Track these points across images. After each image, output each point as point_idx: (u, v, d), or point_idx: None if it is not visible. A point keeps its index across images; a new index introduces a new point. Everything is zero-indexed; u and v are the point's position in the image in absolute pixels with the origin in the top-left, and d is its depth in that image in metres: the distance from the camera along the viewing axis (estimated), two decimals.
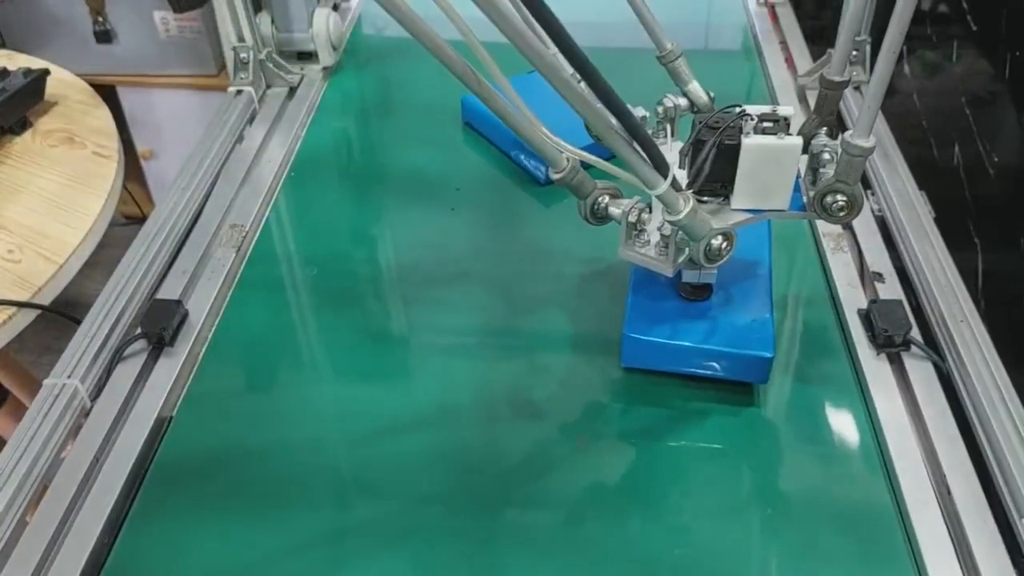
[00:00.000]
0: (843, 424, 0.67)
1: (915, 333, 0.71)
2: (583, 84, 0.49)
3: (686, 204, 0.55)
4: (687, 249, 0.59)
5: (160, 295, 0.78)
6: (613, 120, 0.50)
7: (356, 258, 0.85)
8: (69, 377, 0.69)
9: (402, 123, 1.06)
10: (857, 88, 1.02)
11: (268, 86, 1.10)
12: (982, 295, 0.84)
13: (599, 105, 0.49)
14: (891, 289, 0.77)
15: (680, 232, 0.58)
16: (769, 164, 0.57)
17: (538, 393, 0.69)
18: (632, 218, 0.60)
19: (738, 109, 0.59)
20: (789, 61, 1.13)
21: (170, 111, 1.86)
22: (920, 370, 0.69)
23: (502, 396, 0.69)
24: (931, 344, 0.71)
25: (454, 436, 0.66)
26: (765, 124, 0.58)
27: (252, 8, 1.05)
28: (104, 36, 1.73)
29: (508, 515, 0.61)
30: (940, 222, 0.82)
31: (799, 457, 0.64)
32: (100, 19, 1.71)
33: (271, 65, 1.08)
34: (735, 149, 0.57)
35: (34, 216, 0.95)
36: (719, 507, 0.61)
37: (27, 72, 1.08)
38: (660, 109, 0.66)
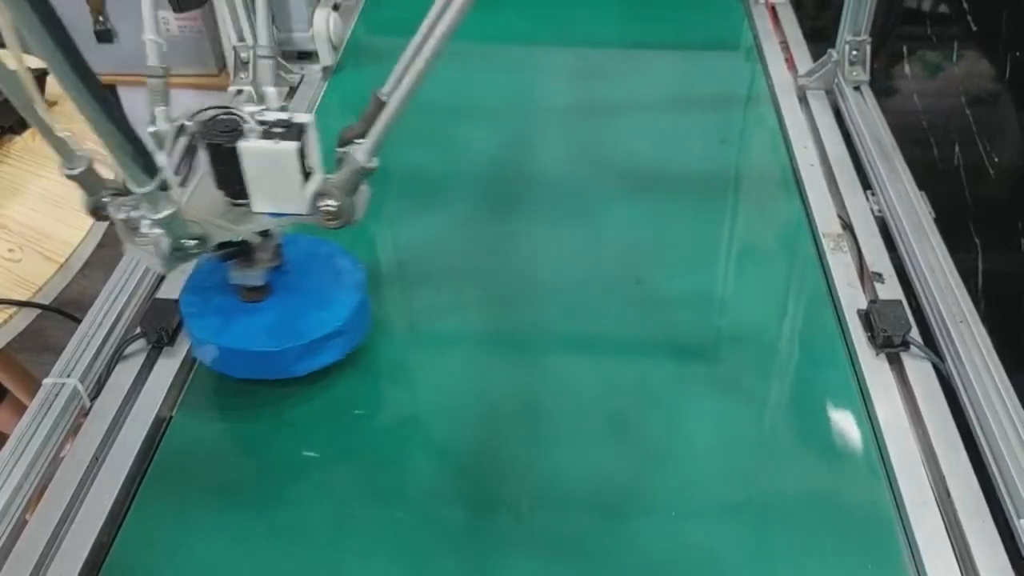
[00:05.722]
0: (842, 425, 0.66)
1: (914, 333, 0.71)
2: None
3: (168, 207, 0.55)
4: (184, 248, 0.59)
5: (160, 295, 0.78)
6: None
7: (355, 256, 0.85)
8: (69, 376, 0.69)
9: (402, 122, 1.05)
10: (857, 88, 1.02)
11: None
12: (982, 296, 0.84)
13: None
14: (891, 289, 0.77)
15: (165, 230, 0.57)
16: (271, 168, 0.57)
17: (538, 392, 0.69)
18: (122, 216, 0.59)
19: (249, 111, 0.58)
20: (790, 62, 1.13)
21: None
22: (919, 371, 0.69)
23: (502, 395, 0.69)
24: (930, 345, 0.71)
25: (453, 435, 0.66)
26: (276, 129, 0.58)
27: (252, 8, 1.05)
28: (104, 35, 1.72)
29: (508, 515, 0.61)
30: (940, 222, 0.82)
31: (798, 457, 0.64)
32: (100, 18, 1.70)
33: None
34: (232, 152, 0.57)
35: (34, 215, 0.95)
36: (718, 507, 0.61)
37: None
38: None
